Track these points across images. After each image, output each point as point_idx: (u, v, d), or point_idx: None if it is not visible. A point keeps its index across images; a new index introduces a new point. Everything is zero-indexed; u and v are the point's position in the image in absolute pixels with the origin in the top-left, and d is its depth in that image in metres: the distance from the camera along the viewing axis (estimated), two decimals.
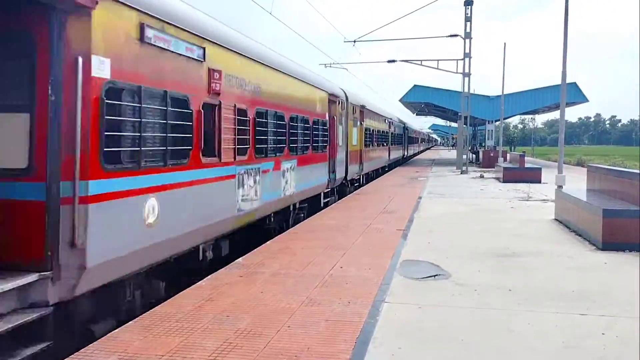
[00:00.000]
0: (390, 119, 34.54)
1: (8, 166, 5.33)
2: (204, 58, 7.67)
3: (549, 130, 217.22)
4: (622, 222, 9.58)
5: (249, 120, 9.44)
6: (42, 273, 5.10)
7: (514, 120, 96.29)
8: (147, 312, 6.08)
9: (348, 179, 19.50)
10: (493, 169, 32.35)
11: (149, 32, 6.23)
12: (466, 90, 34.14)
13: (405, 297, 6.74)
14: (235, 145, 8.77)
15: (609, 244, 9.57)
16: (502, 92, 35.66)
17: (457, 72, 33.62)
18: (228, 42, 8.67)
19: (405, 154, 48.57)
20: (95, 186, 5.40)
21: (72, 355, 4.85)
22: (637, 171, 10.71)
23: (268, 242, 10.25)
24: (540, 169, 26.52)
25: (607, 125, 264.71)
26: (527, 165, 29.12)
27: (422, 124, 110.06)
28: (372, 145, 25.99)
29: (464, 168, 32.74)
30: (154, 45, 6.35)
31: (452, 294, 6.88)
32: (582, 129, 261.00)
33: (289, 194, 11.97)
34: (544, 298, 6.68)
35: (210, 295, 6.72)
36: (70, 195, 5.22)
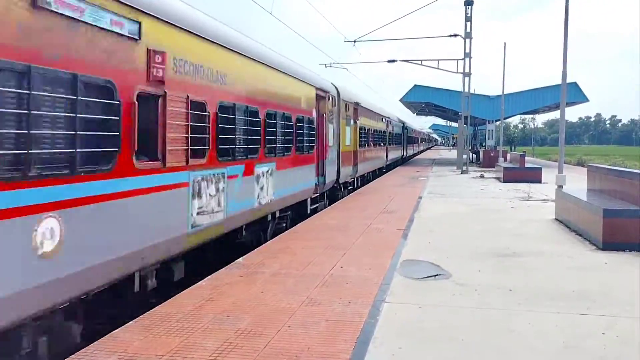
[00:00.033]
0: (388, 117, 33.08)
1: None
2: (140, 36, 6.12)
3: (550, 130, 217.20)
4: (623, 222, 9.57)
5: (209, 116, 7.79)
6: None
7: (514, 120, 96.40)
8: (148, 312, 6.08)
9: (340, 182, 18.18)
10: (493, 169, 32.35)
11: None
12: (466, 90, 34.14)
13: (406, 297, 6.73)
14: (188, 146, 7.18)
15: (610, 243, 9.56)
16: (503, 91, 35.68)
17: (457, 72, 33.64)
18: (178, 18, 7.01)
19: (405, 154, 47.10)
20: None
21: (73, 355, 4.85)
22: (637, 171, 10.70)
23: (268, 242, 10.25)
24: (540, 168, 26.52)
25: (608, 125, 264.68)
26: (527, 165, 29.13)
27: (422, 123, 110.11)
28: (368, 145, 24.56)
29: (464, 168, 32.75)
30: (56, 13, 4.86)
31: (453, 293, 6.88)
32: (583, 128, 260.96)
33: (266, 203, 10.40)
34: (544, 298, 6.68)
35: (210, 295, 6.72)
36: None
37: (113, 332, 5.47)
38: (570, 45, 13.78)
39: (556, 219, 12.99)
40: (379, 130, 28.76)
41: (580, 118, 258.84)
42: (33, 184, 4.58)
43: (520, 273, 7.94)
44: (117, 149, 5.71)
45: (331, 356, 4.86)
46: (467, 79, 33.67)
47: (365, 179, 25.58)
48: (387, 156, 32.52)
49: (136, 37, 6.09)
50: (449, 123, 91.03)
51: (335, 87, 17.36)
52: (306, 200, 13.87)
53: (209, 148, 7.83)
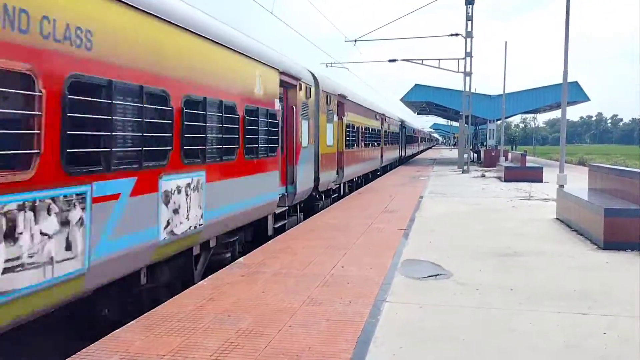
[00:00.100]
0: (383, 114, 30.21)
1: None
2: None
3: (551, 130, 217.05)
4: (624, 221, 9.57)
5: (40, 98, 4.70)
6: None
7: (516, 120, 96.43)
8: (149, 312, 6.09)
9: (320, 190, 15.22)
10: (494, 168, 32.34)
11: None
12: (467, 89, 34.12)
13: (407, 296, 6.74)
14: None
15: (611, 243, 9.56)
16: (504, 91, 35.65)
17: (458, 72, 33.63)
18: None
19: (403, 154, 44.39)
20: None
21: (74, 355, 4.86)
22: (638, 170, 10.69)
23: (269, 242, 10.26)
24: (541, 168, 26.52)
25: (609, 124, 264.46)
26: (528, 164, 29.12)
27: (423, 123, 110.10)
28: (358, 145, 21.52)
29: (465, 167, 32.76)
30: None
31: (454, 293, 6.88)
32: (584, 128, 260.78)
33: (187, 231, 7.23)
34: (545, 297, 6.67)
35: (211, 294, 6.72)
36: None
37: (114, 331, 5.48)
38: (570, 45, 13.76)
39: (557, 219, 12.98)
40: (372, 129, 25.96)
41: (581, 117, 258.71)
42: None
43: (522, 272, 7.94)
44: None
45: (332, 356, 4.87)
46: (468, 78, 33.66)
47: (357, 184, 23.01)
48: (382, 157, 29.94)
49: None
50: (450, 122, 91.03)
51: (312, 75, 14.47)
52: (266, 217, 10.75)
53: (38, 153, 4.69)
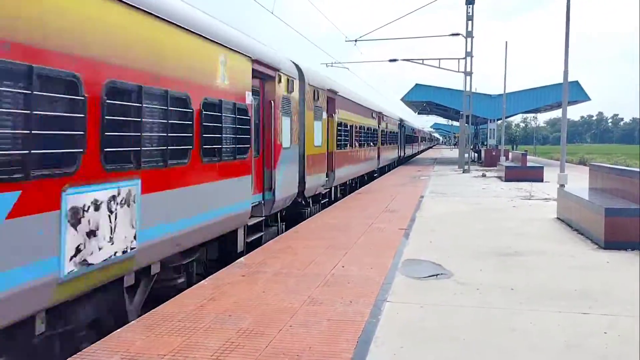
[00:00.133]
0: (380, 112, 28.81)
1: None
2: None
3: (551, 129, 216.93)
4: (625, 221, 9.56)
5: None
6: None
7: (516, 119, 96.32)
8: (150, 312, 6.09)
9: (307, 195, 13.71)
10: (495, 168, 32.33)
11: None
12: (468, 89, 34.12)
13: (407, 296, 6.74)
14: None
15: (611, 242, 9.56)
16: (504, 90, 35.64)
17: (458, 71, 33.61)
18: None
19: (402, 154, 42.79)
20: None
21: (75, 355, 4.86)
22: (639, 170, 10.69)
23: (270, 242, 10.26)
24: (542, 167, 26.52)
25: (610, 124, 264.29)
26: (529, 164, 29.10)
27: (424, 122, 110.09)
28: (351, 145, 19.99)
29: (466, 167, 32.76)
30: None
31: (454, 293, 6.88)
32: (585, 127, 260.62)
33: (105, 259, 5.55)
34: (546, 297, 6.67)
35: (212, 294, 6.73)
36: None
37: (115, 331, 5.49)
38: (571, 45, 13.76)
39: (558, 218, 12.98)
40: (368, 128, 24.43)
41: (582, 117, 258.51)
42: None
43: (522, 272, 7.94)
44: None
45: (333, 356, 4.87)
46: (468, 78, 33.66)
47: (352, 187, 21.57)
48: (379, 158, 28.42)
49: None
50: (450, 122, 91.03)
51: (296, 66, 12.85)
52: (236, 231, 9.12)
53: None
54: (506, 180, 24.71)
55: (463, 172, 31.40)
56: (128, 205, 5.92)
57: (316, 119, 14.34)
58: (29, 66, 4.46)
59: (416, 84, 42.83)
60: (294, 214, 13.30)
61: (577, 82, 38.25)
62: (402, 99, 44.91)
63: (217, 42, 8.12)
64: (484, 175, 28.57)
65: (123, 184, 5.83)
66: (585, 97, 39.75)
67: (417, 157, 61.10)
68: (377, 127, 27.45)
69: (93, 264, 5.35)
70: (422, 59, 33.49)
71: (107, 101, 5.50)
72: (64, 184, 4.93)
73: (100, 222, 5.46)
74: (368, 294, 6.77)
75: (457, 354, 4.96)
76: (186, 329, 5.50)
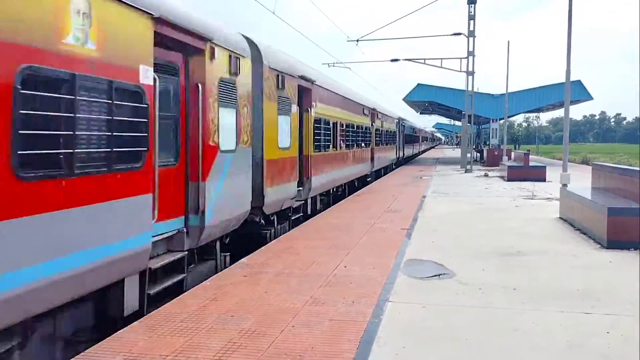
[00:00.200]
0: (373, 108, 25.43)
1: None
2: None
3: (554, 129, 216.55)
4: (627, 220, 9.54)
5: None
6: None
7: (519, 119, 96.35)
8: (152, 312, 6.10)
9: (269, 212, 10.64)
10: (497, 168, 32.30)
11: None
12: (470, 88, 34.09)
13: (410, 296, 6.74)
14: None
15: (614, 242, 9.54)
16: (506, 90, 35.59)
17: (460, 71, 33.60)
18: None
19: (401, 155, 39.99)
20: None
21: (78, 356, 4.88)
22: (639, 169, 10.68)
23: (272, 242, 10.26)
24: (544, 167, 26.50)
25: (612, 123, 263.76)
26: (531, 163, 29.06)
27: (426, 122, 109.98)
28: (335, 147, 16.83)
29: (468, 167, 32.73)
30: None
31: (457, 293, 6.87)
32: (587, 126, 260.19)
33: None
34: (548, 297, 6.67)
35: (214, 295, 6.74)
36: None
37: (118, 332, 5.50)
38: (573, 43, 13.74)
39: (560, 218, 12.96)
40: (358, 126, 21.28)
41: (584, 116, 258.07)
42: None
43: (525, 272, 7.93)
44: None
45: (335, 356, 4.87)
46: (470, 77, 33.63)
47: (339, 196, 18.51)
48: (372, 161, 25.31)
49: None
50: (452, 122, 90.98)
51: (248, 41, 9.86)
52: (123, 283, 6.02)
53: None
54: (508, 180, 24.69)
55: (465, 172, 31.37)
56: None
57: (282, 113, 11.35)
58: None
59: (418, 84, 42.81)
60: (250, 237, 10.27)
61: (579, 81, 38.18)
62: (404, 99, 44.90)
63: None
64: (486, 175, 28.54)
65: None
66: (587, 97, 39.68)
67: (419, 157, 61.03)
68: (370, 126, 24.49)
69: None
70: (424, 59, 33.51)
71: None
72: None
73: None
74: (370, 294, 6.77)
75: (459, 354, 4.95)
76: (188, 330, 5.51)
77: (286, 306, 6.28)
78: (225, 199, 8.33)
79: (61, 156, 4.94)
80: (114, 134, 5.60)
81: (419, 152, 63.74)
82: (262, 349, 4.99)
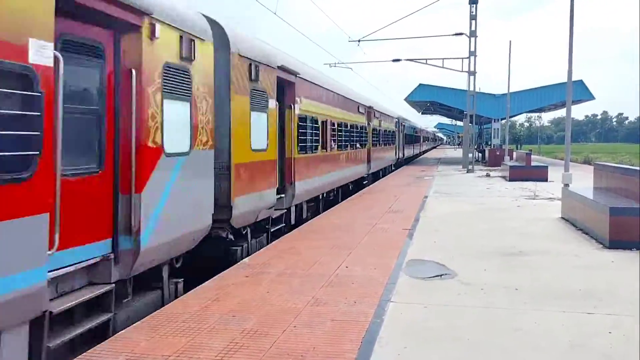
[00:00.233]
0: (370, 106, 23.73)
1: None
2: None
3: (556, 128, 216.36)
4: (629, 220, 9.53)
5: None
6: None
7: (520, 119, 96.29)
8: (154, 313, 6.11)
9: (238, 225, 8.99)
10: (499, 168, 32.29)
11: None
12: (472, 88, 34.07)
13: (411, 296, 6.74)
14: None
15: (616, 242, 9.53)
16: (508, 90, 35.54)
17: (462, 71, 33.59)
18: None
19: (401, 156, 38.28)
20: None
21: (80, 356, 4.89)
22: (639, 169, 10.67)
23: (274, 242, 10.27)
24: (546, 167, 26.48)
25: (614, 123, 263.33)
26: (533, 163, 29.05)
27: (427, 122, 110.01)
28: (325, 148, 15.27)
29: (470, 167, 32.70)
30: None
31: (458, 293, 6.87)
32: (589, 126, 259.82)
33: None
34: (550, 297, 6.66)
35: (216, 295, 6.74)
36: None
37: (120, 332, 5.51)
38: (574, 44, 13.73)
39: (562, 218, 12.94)
40: (352, 125, 19.82)
41: (586, 116, 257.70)
42: None
43: (526, 272, 7.92)
44: None
45: (337, 356, 4.87)
46: (472, 77, 33.61)
47: (330, 202, 16.86)
48: (369, 162, 23.77)
49: None
50: (454, 122, 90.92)
51: (210, 21, 8.24)
52: None
53: None
54: (510, 180, 24.67)
55: (467, 172, 31.35)
56: None
57: (255, 109, 9.68)
58: None
59: (420, 84, 42.80)
60: (215, 257, 8.74)
61: (581, 81, 38.15)
62: (406, 99, 44.92)
63: None
64: (488, 175, 28.52)
65: None
66: (589, 96, 39.64)
67: (420, 157, 60.97)
68: (366, 125, 22.89)
69: None
70: (426, 59, 33.53)
71: None
72: None
73: None
74: (372, 294, 6.77)
75: (461, 354, 4.95)
76: (190, 330, 5.52)
77: (288, 306, 6.29)
78: (172, 213, 6.67)
79: None
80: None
81: (420, 152, 62.59)
82: (264, 349, 5.00)
